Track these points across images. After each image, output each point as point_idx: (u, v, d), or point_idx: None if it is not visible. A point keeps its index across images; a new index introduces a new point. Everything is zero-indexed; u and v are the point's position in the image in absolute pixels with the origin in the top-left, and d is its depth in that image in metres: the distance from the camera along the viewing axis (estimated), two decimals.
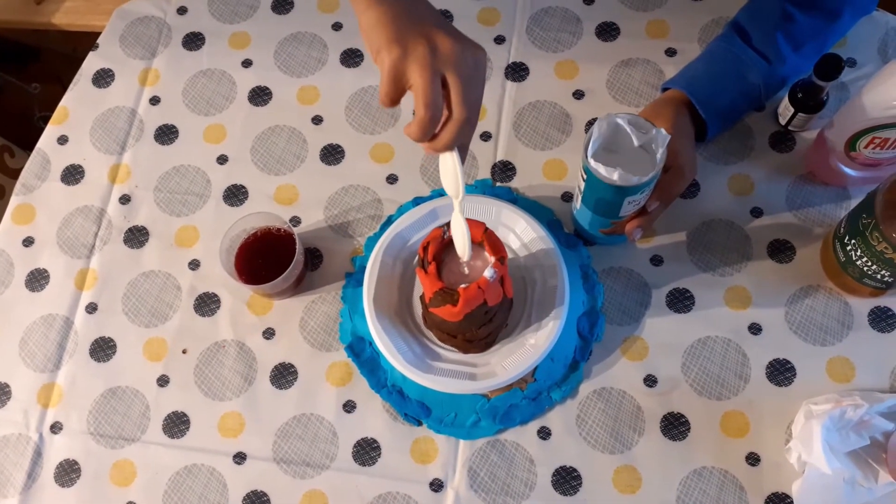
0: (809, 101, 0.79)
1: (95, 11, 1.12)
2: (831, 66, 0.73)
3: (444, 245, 0.66)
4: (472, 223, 0.65)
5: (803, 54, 0.78)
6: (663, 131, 0.64)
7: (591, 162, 0.65)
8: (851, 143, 0.73)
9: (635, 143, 0.65)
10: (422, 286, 0.68)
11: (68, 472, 0.77)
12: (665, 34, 0.89)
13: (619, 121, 0.66)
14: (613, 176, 0.64)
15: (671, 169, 0.72)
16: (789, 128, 0.83)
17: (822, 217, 0.80)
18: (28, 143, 0.93)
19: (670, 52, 0.88)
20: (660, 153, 0.64)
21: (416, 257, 0.78)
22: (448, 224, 0.65)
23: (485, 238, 0.65)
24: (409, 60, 0.54)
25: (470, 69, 0.55)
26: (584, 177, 0.68)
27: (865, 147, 0.73)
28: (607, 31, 0.90)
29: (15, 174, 0.94)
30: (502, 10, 0.92)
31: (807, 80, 0.77)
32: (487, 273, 0.63)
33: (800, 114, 0.80)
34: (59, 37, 1.54)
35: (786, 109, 0.82)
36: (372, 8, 0.57)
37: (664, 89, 0.80)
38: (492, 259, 0.65)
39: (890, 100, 0.66)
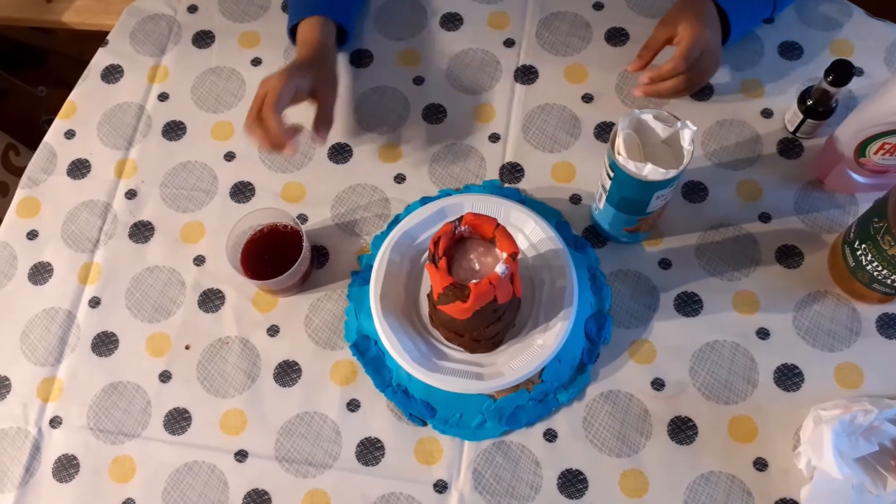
0: (818, 107, 0.79)
1: (106, 10, 1.12)
2: (842, 72, 0.73)
3: (454, 240, 0.66)
4: (483, 219, 0.65)
5: None
6: (689, 123, 0.65)
7: (620, 159, 0.65)
8: (861, 149, 0.73)
9: (661, 137, 0.65)
10: (431, 282, 0.68)
11: (66, 468, 0.76)
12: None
13: (644, 116, 0.66)
14: (644, 171, 0.64)
15: (703, 54, 0.75)
16: (797, 135, 0.84)
17: (829, 223, 0.80)
18: (33, 146, 0.92)
19: None
20: (687, 144, 0.65)
21: (424, 255, 0.78)
22: (460, 219, 0.65)
23: (496, 234, 0.64)
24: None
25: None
26: (611, 174, 0.68)
27: (875, 153, 0.73)
28: (616, 36, 0.91)
29: (19, 172, 0.93)
30: (512, 14, 0.93)
31: (816, 86, 0.78)
32: (499, 269, 0.63)
33: (809, 120, 0.80)
34: (67, 39, 1.55)
35: (794, 116, 0.82)
36: None
37: None
38: (503, 255, 0.64)
39: None
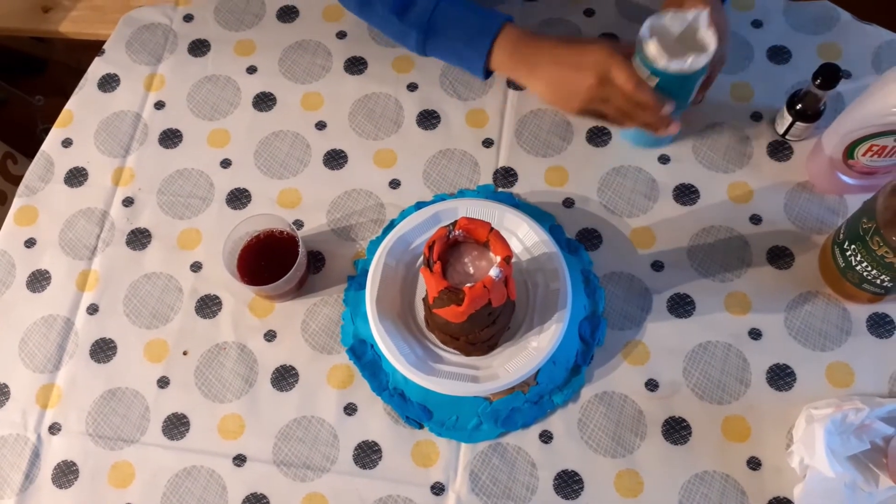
0: (808, 110, 0.80)
1: (102, 20, 1.12)
2: (830, 75, 0.74)
3: (449, 245, 0.67)
4: (477, 223, 0.65)
5: None
6: (699, 10, 0.70)
7: (663, 62, 0.69)
8: (849, 151, 0.74)
9: (675, 35, 0.71)
10: (426, 286, 0.68)
11: (66, 474, 0.76)
12: None
13: (661, 21, 0.71)
14: (688, 64, 0.69)
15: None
16: (787, 137, 0.85)
17: (819, 225, 0.81)
18: (30, 155, 0.93)
19: None
20: (706, 28, 0.70)
21: (419, 259, 0.79)
22: (454, 223, 0.65)
23: (490, 238, 0.65)
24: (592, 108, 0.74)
25: (611, 74, 0.71)
26: (654, 80, 0.71)
27: (864, 155, 0.74)
28: None
29: (17, 181, 0.94)
30: None
31: (805, 89, 0.79)
32: (493, 272, 0.63)
33: (798, 123, 0.81)
34: (65, 49, 1.56)
35: (783, 119, 0.83)
36: (531, 83, 0.76)
37: None
38: (497, 259, 0.65)
39: (889, 107, 0.67)
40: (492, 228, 0.66)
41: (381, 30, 0.83)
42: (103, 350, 0.81)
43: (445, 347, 0.76)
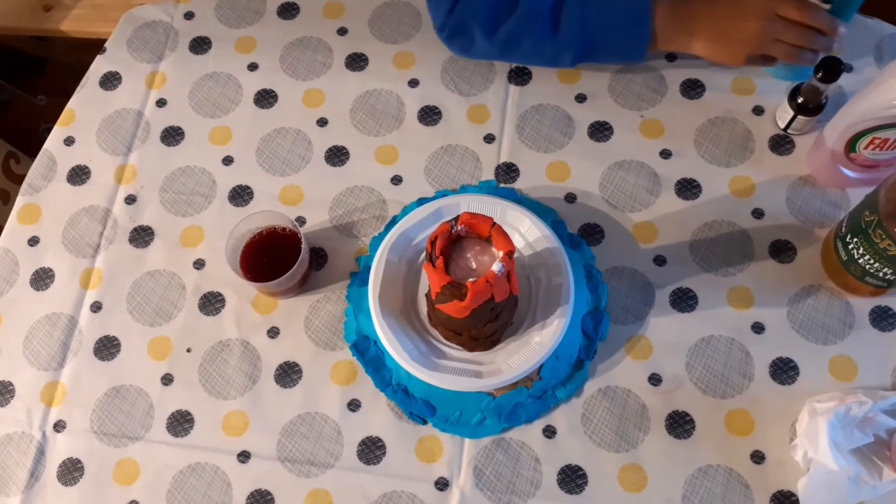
0: (809, 104, 0.80)
1: (103, 19, 1.13)
2: (831, 69, 0.74)
3: (451, 240, 0.67)
4: (479, 218, 0.65)
5: None
6: None
7: None
8: (851, 145, 0.74)
9: None
10: (429, 281, 0.68)
11: (71, 471, 0.76)
12: None
13: None
14: None
15: None
16: (788, 131, 0.85)
17: (821, 218, 0.81)
18: (33, 154, 0.93)
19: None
20: None
21: (422, 255, 0.79)
22: (456, 218, 0.65)
23: (492, 233, 0.65)
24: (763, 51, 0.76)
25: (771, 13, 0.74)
26: (829, 6, 0.75)
27: (865, 148, 0.74)
28: None
29: (19, 180, 0.94)
30: None
31: (807, 83, 0.79)
32: (495, 267, 0.63)
33: (799, 117, 0.81)
34: (66, 48, 1.56)
35: (785, 113, 0.83)
36: (691, 47, 0.79)
37: None
38: (499, 254, 0.65)
39: (891, 100, 0.67)
40: (494, 223, 0.66)
41: (528, 61, 0.83)
42: (107, 348, 0.81)
43: (448, 343, 0.76)
